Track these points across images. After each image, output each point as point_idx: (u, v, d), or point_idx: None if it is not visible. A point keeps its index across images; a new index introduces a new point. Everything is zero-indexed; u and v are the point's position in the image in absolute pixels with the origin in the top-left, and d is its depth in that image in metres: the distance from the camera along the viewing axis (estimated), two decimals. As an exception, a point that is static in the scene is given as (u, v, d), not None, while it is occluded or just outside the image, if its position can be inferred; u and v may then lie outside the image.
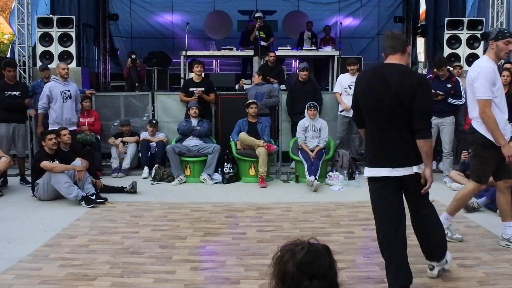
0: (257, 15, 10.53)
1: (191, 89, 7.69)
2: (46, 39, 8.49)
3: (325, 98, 7.89)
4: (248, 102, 7.34)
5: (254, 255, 3.95)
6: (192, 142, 7.24)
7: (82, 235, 4.53)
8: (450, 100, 6.62)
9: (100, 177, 6.63)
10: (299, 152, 6.96)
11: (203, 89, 7.65)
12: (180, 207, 5.59)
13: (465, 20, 8.79)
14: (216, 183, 6.98)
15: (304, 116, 7.15)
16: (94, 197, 5.71)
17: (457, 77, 6.96)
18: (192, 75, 8.17)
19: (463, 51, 8.65)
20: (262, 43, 9.50)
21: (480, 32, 8.59)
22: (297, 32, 12.25)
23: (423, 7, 13.44)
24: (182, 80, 9.51)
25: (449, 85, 6.67)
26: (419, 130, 3.03)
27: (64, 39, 8.54)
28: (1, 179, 6.55)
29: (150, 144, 7.60)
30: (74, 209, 5.47)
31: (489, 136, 3.87)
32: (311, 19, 12.69)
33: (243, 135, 7.11)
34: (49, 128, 6.50)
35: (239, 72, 11.68)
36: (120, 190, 6.23)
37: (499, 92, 3.88)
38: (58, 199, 5.79)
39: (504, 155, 3.83)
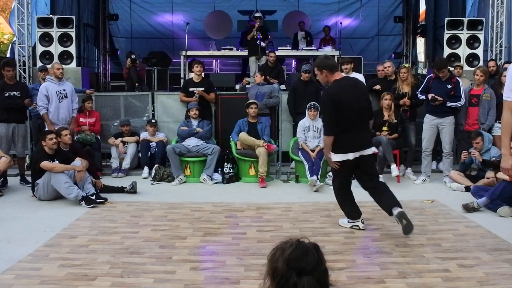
0: (256, 15, 10.54)
1: (191, 89, 7.69)
2: (46, 39, 8.49)
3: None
4: (248, 102, 7.34)
5: (254, 255, 3.95)
6: (192, 142, 7.23)
7: (82, 235, 4.53)
8: (448, 103, 6.63)
9: (100, 177, 6.62)
10: (300, 152, 6.96)
11: (203, 88, 7.66)
12: (180, 207, 5.59)
13: (465, 20, 8.77)
14: (216, 183, 6.98)
15: (305, 116, 7.15)
16: (94, 197, 5.71)
17: (457, 78, 6.96)
18: (192, 75, 8.16)
19: (463, 51, 8.62)
20: (262, 43, 9.49)
21: (480, 32, 8.60)
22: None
23: (423, 7, 13.45)
24: (182, 80, 9.51)
25: (449, 86, 6.67)
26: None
27: (64, 39, 8.54)
28: (1, 179, 6.55)
29: (150, 144, 7.60)
30: (74, 209, 5.46)
31: None
32: (311, 19, 12.70)
33: (243, 135, 7.11)
34: (46, 129, 6.49)
35: (239, 72, 11.68)
36: (120, 190, 6.23)
37: None
38: (58, 199, 5.78)
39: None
